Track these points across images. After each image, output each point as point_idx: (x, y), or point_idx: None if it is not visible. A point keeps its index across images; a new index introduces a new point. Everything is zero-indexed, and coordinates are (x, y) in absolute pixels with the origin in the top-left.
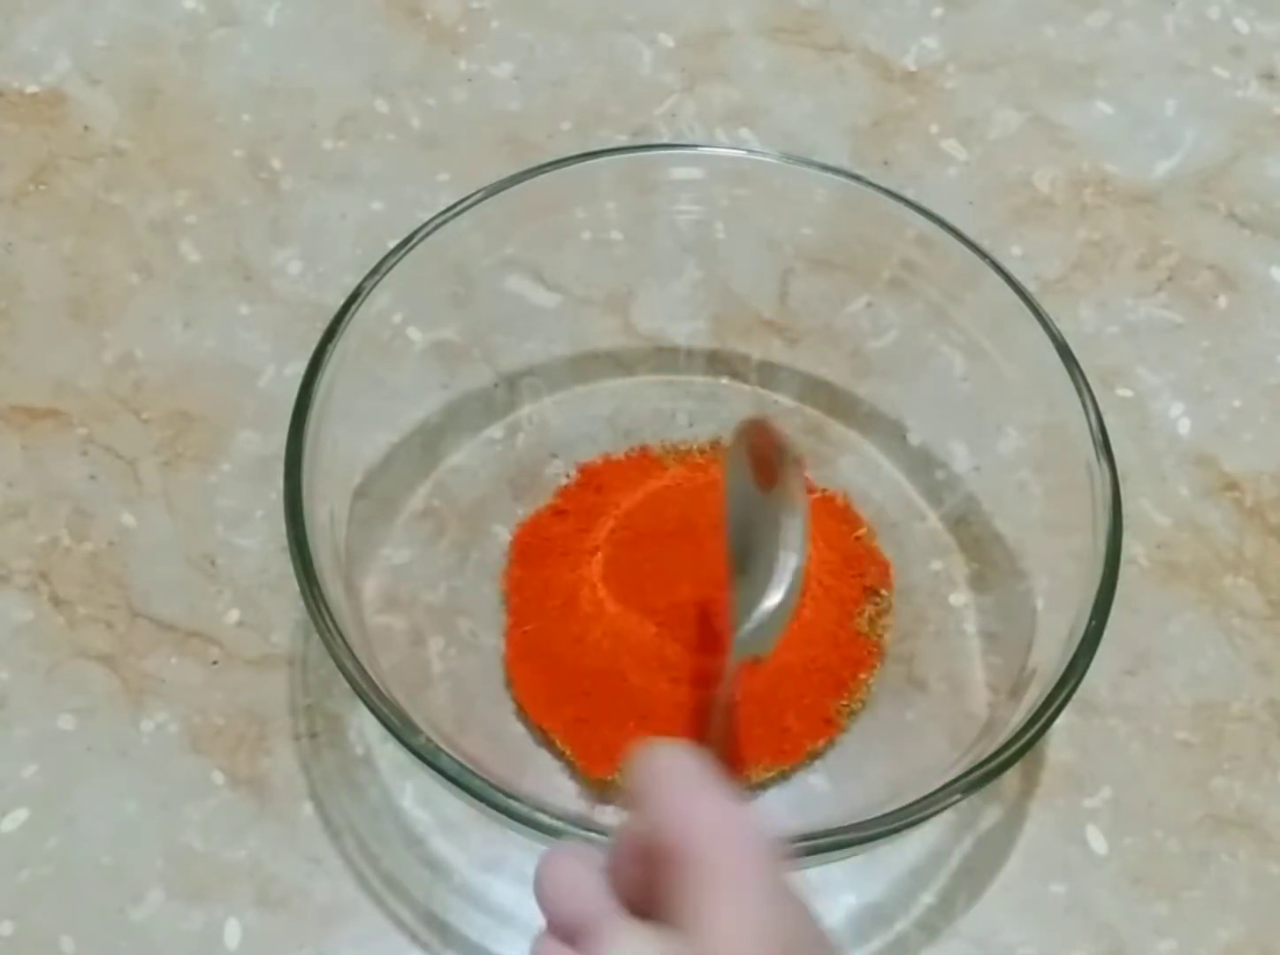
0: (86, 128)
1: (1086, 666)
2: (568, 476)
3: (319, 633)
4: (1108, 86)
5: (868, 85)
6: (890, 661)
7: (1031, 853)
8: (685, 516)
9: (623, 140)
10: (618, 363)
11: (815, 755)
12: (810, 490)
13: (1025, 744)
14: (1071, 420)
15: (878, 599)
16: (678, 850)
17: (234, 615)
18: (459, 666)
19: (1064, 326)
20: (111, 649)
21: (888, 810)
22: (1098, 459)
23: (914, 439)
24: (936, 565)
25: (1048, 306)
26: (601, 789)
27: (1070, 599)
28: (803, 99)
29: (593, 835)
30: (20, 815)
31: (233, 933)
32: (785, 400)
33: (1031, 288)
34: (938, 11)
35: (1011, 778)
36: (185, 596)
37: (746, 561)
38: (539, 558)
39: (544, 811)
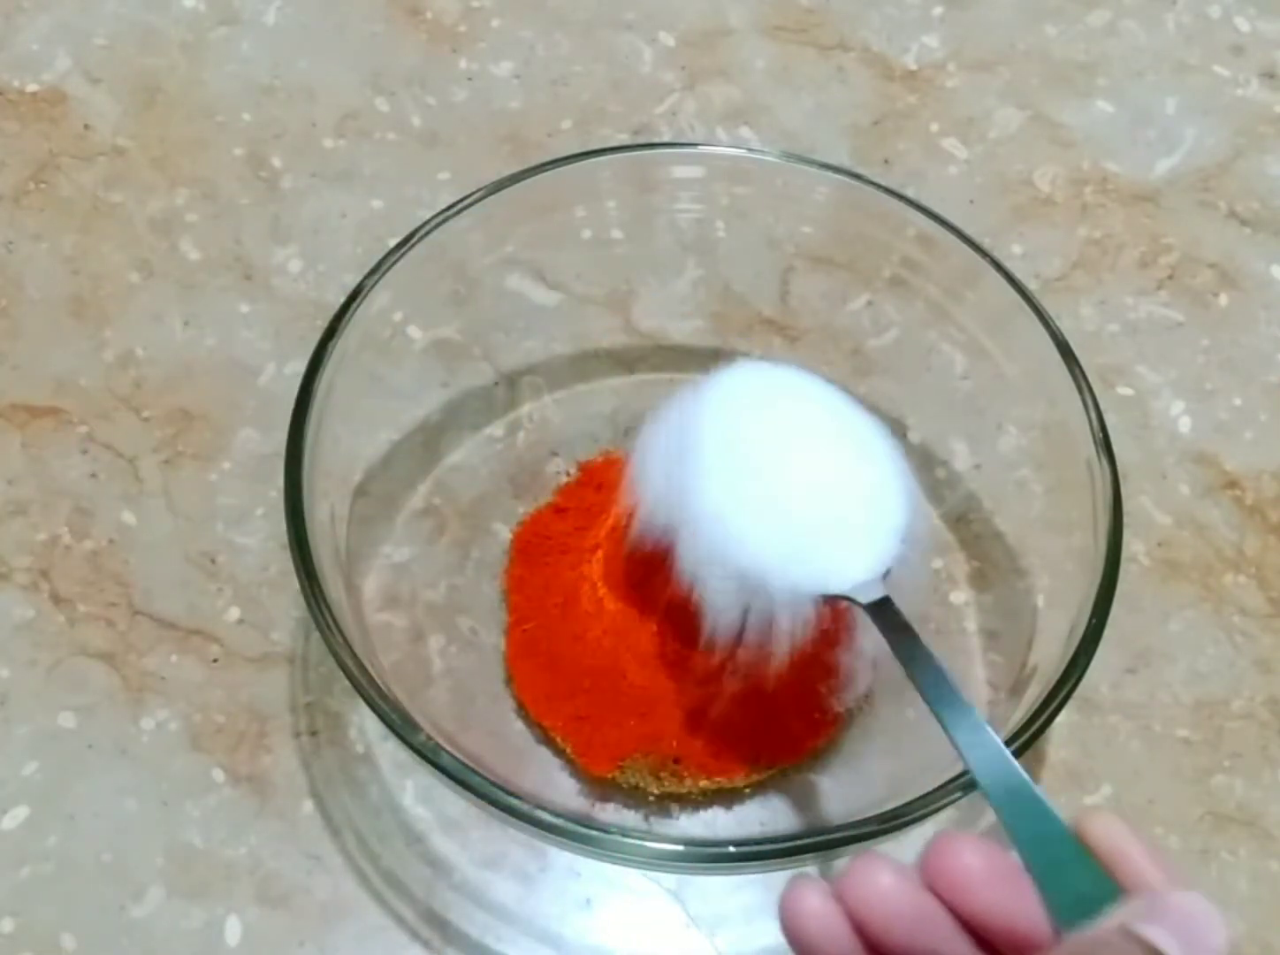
0: (87, 126)
1: (1087, 664)
2: (568, 475)
3: (319, 631)
4: (1108, 85)
5: (868, 84)
6: (891, 659)
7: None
8: None
9: (623, 139)
10: (618, 361)
11: (815, 753)
12: None
13: (1026, 742)
14: (1072, 418)
15: None
16: None
17: (234, 613)
18: (459, 664)
19: (1064, 325)
20: (112, 647)
21: (888, 808)
22: (1098, 457)
23: (914, 437)
24: (937, 563)
25: (1048, 305)
26: (601, 787)
27: (1071, 597)
28: (803, 98)
29: (594, 833)
30: (21, 813)
31: (233, 930)
32: None
33: (1032, 286)
34: (938, 10)
35: None
36: (186, 594)
37: None
38: (539, 556)
39: (544, 809)
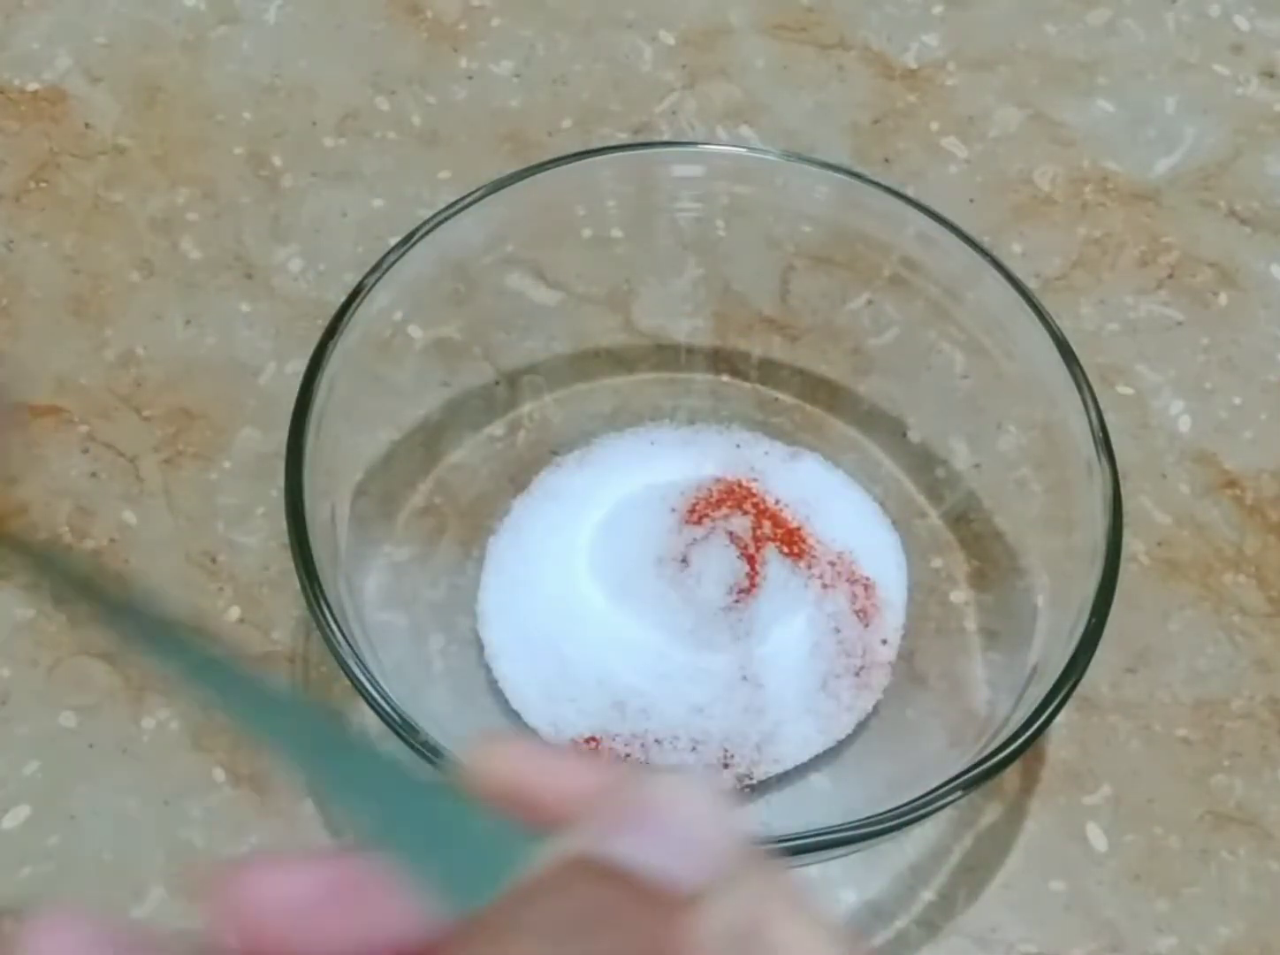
0: (87, 125)
1: (1087, 664)
2: None
3: (319, 630)
4: (1108, 84)
5: (868, 83)
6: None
7: (1032, 850)
8: None
9: (623, 138)
10: (618, 360)
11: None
12: None
13: (1025, 741)
14: (1072, 418)
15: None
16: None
17: (235, 612)
18: (460, 664)
19: (1064, 324)
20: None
21: (888, 808)
22: (1098, 456)
23: (914, 436)
24: (937, 562)
25: (1048, 304)
26: None
27: (1071, 596)
28: (803, 96)
29: None
30: (22, 812)
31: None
32: (786, 397)
33: (1032, 285)
34: (938, 9)
35: (1012, 775)
36: (186, 594)
37: None
38: None
39: None
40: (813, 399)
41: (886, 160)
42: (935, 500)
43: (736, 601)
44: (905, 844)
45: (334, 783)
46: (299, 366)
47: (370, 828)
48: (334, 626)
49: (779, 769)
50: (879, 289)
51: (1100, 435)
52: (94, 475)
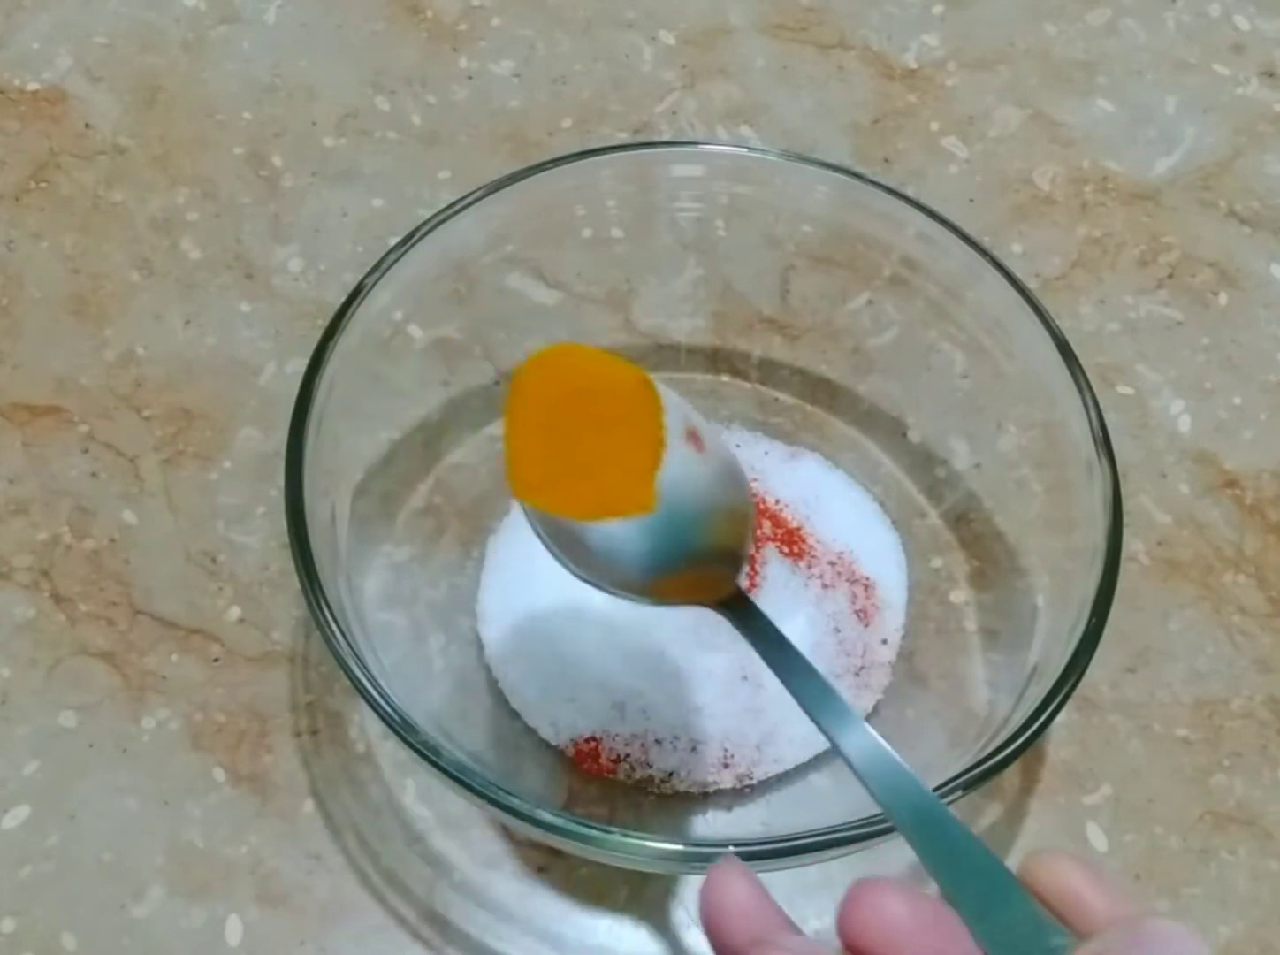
0: (87, 125)
1: (1087, 664)
2: None
3: (320, 630)
4: (1108, 84)
5: (868, 83)
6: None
7: (1032, 850)
8: None
9: (623, 138)
10: None
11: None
12: None
13: (1025, 741)
14: (1072, 418)
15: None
16: None
17: (235, 612)
18: (460, 664)
19: (1064, 324)
20: (113, 646)
21: None
22: (1098, 456)
23: (914, 436)
24: (937, 562)
25: (1048, 304)
26: (602, 786)
27: (1071, 596)
28: (803, 96)
29: (594, 833)
30: (21, 812)
31: (234, 929)
32: (786, 397)
33: (1032, 285)
34: (938, 9)
35: (1012, 775)
36: (186, 594)
37: None
38: None
39: (544, 809)
40: (813, 399)
41: (886, 160)
42: (935, 500)
43: None
44: (904, 845)
45: (928, 845)
46: (299, 366)
47: (949, 885)
48: (334, 626)
49: (779, 769)
50: (879, 289)
51: (1100, 435)
52: (94, 475)
